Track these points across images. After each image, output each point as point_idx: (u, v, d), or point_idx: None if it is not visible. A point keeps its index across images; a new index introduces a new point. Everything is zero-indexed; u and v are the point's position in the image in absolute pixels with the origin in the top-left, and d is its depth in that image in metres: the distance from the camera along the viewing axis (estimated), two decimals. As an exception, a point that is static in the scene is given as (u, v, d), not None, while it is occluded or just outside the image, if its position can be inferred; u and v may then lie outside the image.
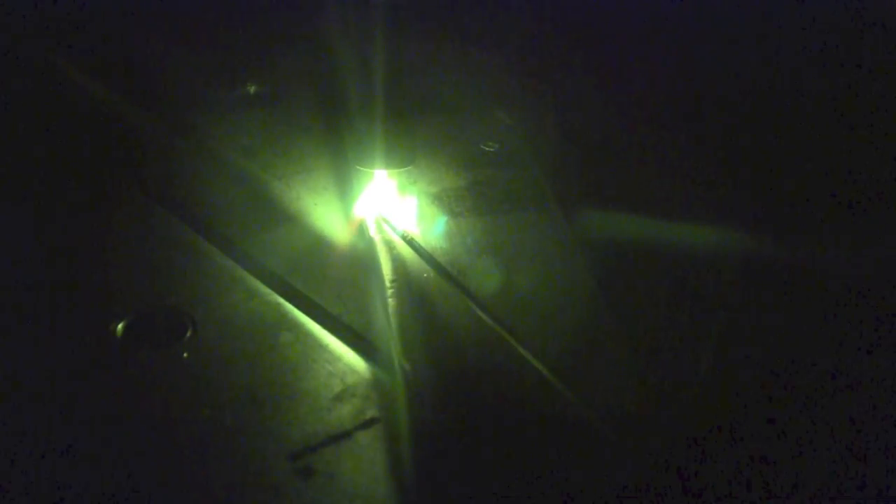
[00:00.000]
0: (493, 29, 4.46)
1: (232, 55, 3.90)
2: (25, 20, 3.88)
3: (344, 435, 1.83)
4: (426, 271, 2.43)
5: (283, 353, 2.07)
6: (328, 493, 1.69)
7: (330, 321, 2.18)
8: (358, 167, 2.73)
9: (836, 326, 2.37)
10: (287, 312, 2.22)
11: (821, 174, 3.25)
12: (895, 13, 4.52)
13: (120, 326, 2.10)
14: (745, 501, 1.79)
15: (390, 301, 2.28)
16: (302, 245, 2.53)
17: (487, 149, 3.26)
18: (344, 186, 2.83)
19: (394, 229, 2.61)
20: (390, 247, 2.53)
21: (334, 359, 2.06)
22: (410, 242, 2.54)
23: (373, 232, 2.60)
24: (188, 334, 2.10)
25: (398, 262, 2.46)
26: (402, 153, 2.68)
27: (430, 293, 2.34)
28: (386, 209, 2.70)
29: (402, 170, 2.77)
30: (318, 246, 2.53)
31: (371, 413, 1.90)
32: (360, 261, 2.47)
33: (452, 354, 2.11)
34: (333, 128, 3.19)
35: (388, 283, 2.35)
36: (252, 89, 3.65)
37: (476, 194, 2.89)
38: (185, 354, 2.03)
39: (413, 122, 2.74)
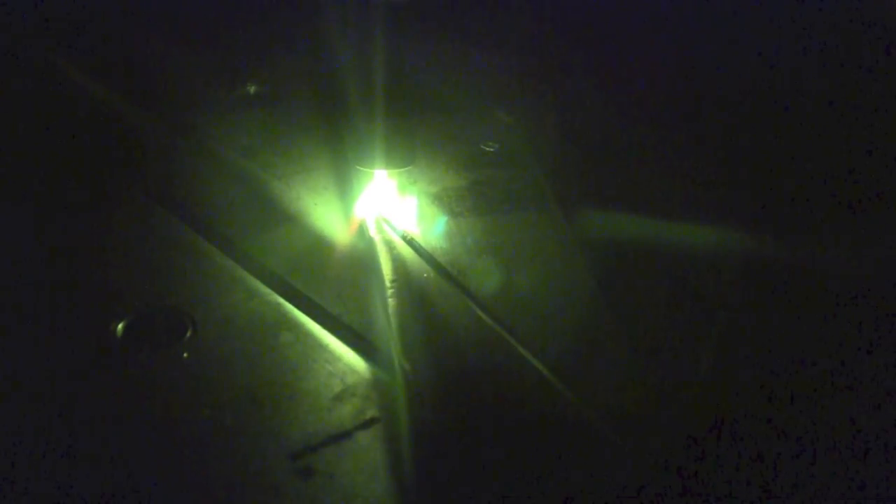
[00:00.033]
0: (493, 29, 4.46)
1: (232, 55, 3.90)
2: (25, 20, 3.88)
3: (344, 435, 1.83)
4: (426, 271, 2.43)
5: (283, 353, 2.07)
6: (328, 493, 1.69)
7: (330, 321, 2.17)
8: (358, 167, 2.73)
9: (836, 326, 2.37)
10: (287, 312, 2.21)
11: (821, 174, 3.25)
12: (895, 13, 4.52)
13: (120, 326, 2.10)
14: (745, 501, 1.79)
15: (390, 301, 2.28)
16: (302, 245, 2.53)
17: (487, 149, 3.26)
18: (344, 186, 2.83)
19: (394, 229, 2.61)
20: (390, 247, 2.53)
21: (334, 359, 2.06)
22: (410, 242, 2.54)
23: (373, 232, 2.60)
24: (188, 334, 2.10)
25: (398, 262, 2.46)
26: (402, 153, 2.68)
27: (430, 293, 2.34)
28: (386, 209, 2.70)
29: (402, 170, 2.77)
30: (318, 246, 2.53)
31: (371, 413, 1.90)
32: (360, 261, 2.47)
33: (452, 354, 2.11)
34: (333, 128, 3.19)
35: (388, 283, 2.35)
36: (252, 89, 3.65)
37: (476, 194, 2.89)
38: (185, 354, 2.03)
39: (413, 122, 2.74)
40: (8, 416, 1.83)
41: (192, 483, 1.70)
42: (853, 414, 2.03)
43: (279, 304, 2.24)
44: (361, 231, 2.62)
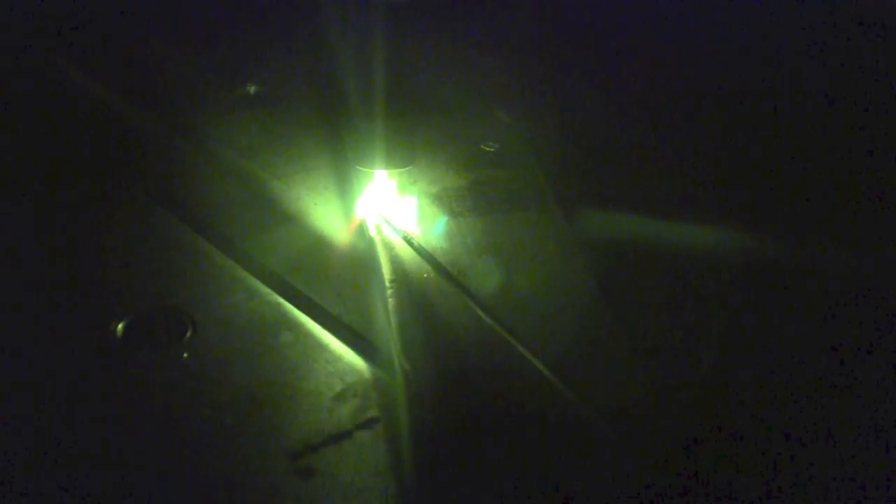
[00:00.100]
0: (493, 29, 4.46)
1: (232, 55, 3.90)
2: (25, 20, 3.88)
3: (344, 435, 1.83)
4: (426, 271, 2.43)
5: (283, 353, 2.07)
6: (328, 493, 1.69)
7: (330, 321, 2.17)
8: (358, 167, 2.73)
9: (836, 326, 2.37)
10: (287, 312, 2.21)
11: (821, 174, 3.25)
12: (895, 13, 4.52)
13: (120, 326, 2.10)
14: (745, 501, 1.79)
15: (390, 301, 2.28)
16: (302, 245, 2.53)
17: (487, 149, 3.26)
18: (344, 186, 2.83)
19: (394, 229, 2.61)
20: (390, 247, 2.53)
21: (334, 359, 2.06)
22: (410, 242, 2.54)
23: (373, 232, 2.60)
24: (188, 335, 2.10)
25: (398, 262, 2.46)
26: (402, 153, 2.68)
27: (430, 293, 2.34)
28: (386, 209, 2.70)
29: (402, 170, 2.77)
30: (318, 246, 2.53)
31: (371, 413, 1.90)
32: (360, 261, 2.47)
33: (452, 354, 2.11)
34: (333, 128, 3.19)
35: (388, 283, 2.35)
36: (252, 89, 3.65)
37: (476, 194, 2.89)
38: (185, 355, 2.03)
39: (413, 122, 2.74)
40: (8, 416, 1.83)
41: (192, 483, 1.70)
42: (853, 414, 2.03)
43: (279, 304, 2.24)
44: (361, 231, 2.62)
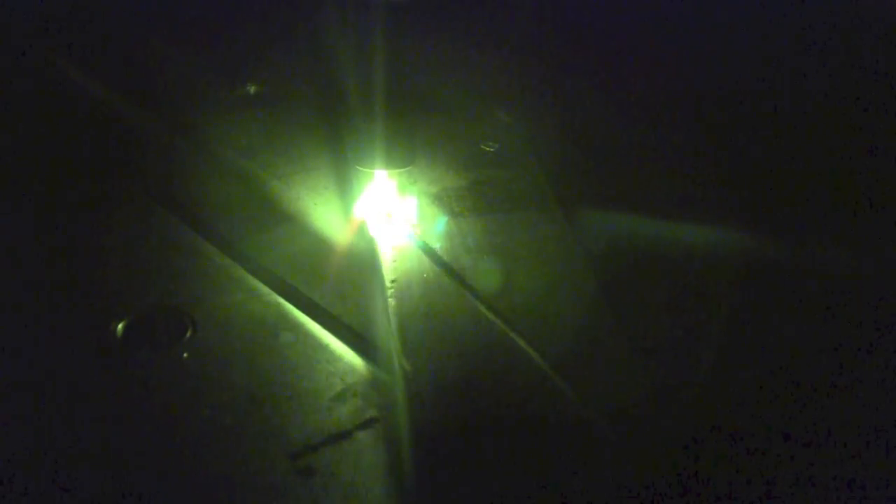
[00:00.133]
0: (493, 29, 4.46)
1: (232, 55, 3.90)
2: (25, 20, 3.88)
3: (344, 435, 1.83)
4: (426, 271, 2.43)
5: (284, 353, 2.07)
6: (328, 493, 1.69)
7: (330, 321, 2.17)
8: (358, 167, 2.73)
9: (836, 326, 2.37)
10: (287, 312, 2.21)
11: (821, 174, 3.25)
12: (895, 13, 4.52)
13: (120, 326, 2.10)
14: (745, 501, 1.79)
15: (390, 301, 2.28)
16: (302, 245, 2.53)
17: (487, 149, 3.25)
18: (344, 186, 2.83)
19: (394, 229, 2.61)
20: (390, 247, 2.53)
21: (334, 359, 2.06)
22: (410, 242, 2.54)
23: (373, 232, 2.60)
24: (188, 335, 2.10)
25: (398, 262, 2.46)
26: (403, 153, 2.68)
27: (430, 293, 2.34)
28: (386, 209, 2.70)
29: (403, 170, 2.77)
30: (319, 246, 2.53)
31: (371, 413, 1.90)
32: (361, 261, 2.47)
33: (452, 354, 2.11)
34: (333, 128, 3.19)
35: (388, 283, 2.35)
36: (252, 89, 3.65)
37: (476, 194, 2.89)
38: (185, 355, 2.03)
39: (413, 122, 2.74)
40: (8, 415, 1.83)
41: (192, 483, 1.70)
42: (853, 414, 2.03)
43: (279, 304, 2.24)
44: (361, 231, 2.61)
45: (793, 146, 3.48)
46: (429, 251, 2.51)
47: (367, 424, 1.86)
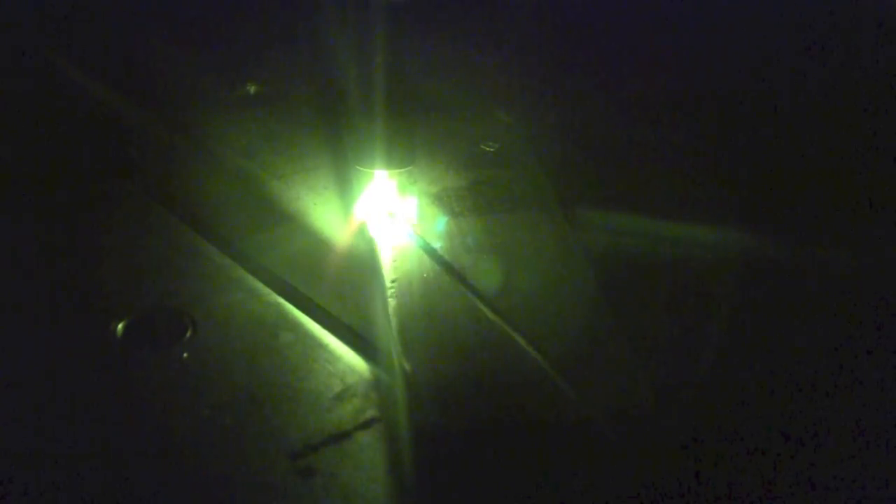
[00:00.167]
0: (493, 29, 4.46)
1: (232, 55, 3.90)
2: (25, 20, 3.88)
3: (344, 435, 1.83)
4: (426, 271, 2.43)
5: (283, 353, 2.07)
6: (328, 493, 1.69)
7: (330, 321, 2.18)
8: (358, 167, 2.73)
9: (837, 326, 2.37)
10: (287, 312, 2.22)
11: (821, 174, 3.25)
12: (895, 13, 4.52)
13: (120, 326, 2.10)
14: (745, 501, 1.79)
15: (390, 301, 2.28)
16: (302, 245, 2.53)
17: (487, 149, 3.26)
18: (344, 186, 2.83)
19: (394, 229, 2.61)
20: (390, 247, 2.53)
21: (334, 359, 2.07)
22: (410, 242, 2.54)
23: (373, 232, 2.60)
24: (188, 334, 2.10)
25: (398, 262, 2.46)
26: (403, 153, 2.68)
27: (430, 293, 2.34)
28: (386, 209, 2.70)
29: (403, 170, 2.77)
30: (318, 246, 2.53)
31: (371, 413, 1.90)
32: (360, 261, 2.47)
33: (453, 354, 2.11)
34: (333, 128, 3.19)
35: (388, 283, 2.35)
36: (252, 89, 3.65)
37: (476, 194, 2.89)
38: (184, 354, 2.03)
39: (413, 121, 2.74)
40: (8, 416, 1.83)
41: (192, 483, 1.70)
42: (853, 414, 2.03)
43: (279, 304, 2.24)
44: (361, 231, 2.61)
45: (793, 146, 3.48)
46: (429, 251, 2.51)
47: (367, 424, 1.86)
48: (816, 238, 2.81)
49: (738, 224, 2.83)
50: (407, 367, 2.03)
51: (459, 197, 2.86)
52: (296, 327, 2.16)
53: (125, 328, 2.09)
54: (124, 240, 2.49)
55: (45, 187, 2.70)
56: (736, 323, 2.34)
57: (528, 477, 1.78)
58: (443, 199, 2.84)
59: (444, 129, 3.40)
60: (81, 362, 1.99)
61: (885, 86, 4.01)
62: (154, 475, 1.70)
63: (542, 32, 4.52)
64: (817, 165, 3.32)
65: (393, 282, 2.36)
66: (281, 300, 2.24)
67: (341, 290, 2.30)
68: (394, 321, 2.20)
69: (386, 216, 2.68)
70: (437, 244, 2.56)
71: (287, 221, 2.66)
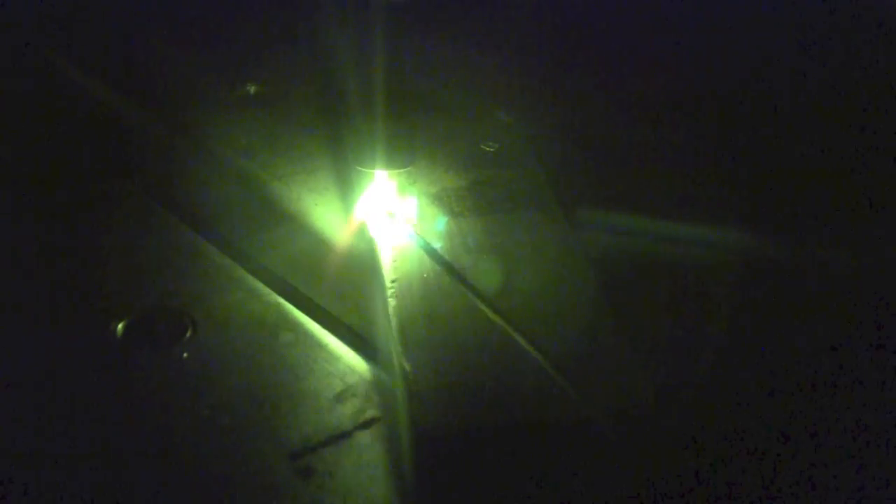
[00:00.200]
0: (493, 29, 4.46)
1: (232, 55, 3.90)
2: (25, 20, 3.88)
3: (344, 435, 1.83)
4: (426, 271, 2.43)
5: (283, 354, 2.07)
6: (328, 493, 1.69)
7: (330, 321, 2.18)
8: (358, 168, 2.73)
9: (837, 326, 2.37)
10: (287, 312, 2.22)
11: (821, 174, 3.25)
12: (895, 13, 4.52)
13: (120, 326, 2.10)
14: (745, 501, 1.79)
15: (390, 301, 2.27)
16: (302, 245, 2.53)
17: (487, 149, 3.25)
18: (344, 187, 2.83)
19: (394, 229, 2.61)
20: (390, 247, 2.53)
21: (334, 359, 2.07)
22: (410, 242, 2.54)
23: (373, 232, 2.60)
24: (188, 334, 2.10)
25: (398, 263, 2.46)
26: (403, 154, 2.68)
27: (430, 293, 2.34)
28: (386, 209, 2.70)
29: (403, 170, 2.77)
30: (318, 246, 2.53)
31: (371, 413, 1.90)
32: (361, 261, 2.47)
33: (453, 354, 2.11)
34: (333, 128, 3.19)
35: (388, 283, 2.35)
36: (252, 89, 3.65)
37: (476, 194, 2.89)
38: (184, 354, 2.03)
39: (413, 122, 2.74)
40: (8, 416, 1.83)
41: (191, 483, 1.70)
42: (853, 414, 2.03)
43: (279, 304, 2.24)
44: (361, 231, 2.61)
45: (793, 146, 3.48)
46: (429, 251, 2.51)
47: (367, 424, 1.86)
48: (816, 238, 2.81)
49: (738, 224, 2.83)
50: (407, 367, 2.03)
51: (459, 197, 2.86)
52: (296, 327, 2.16)
53: (125, 328, 2.09)
54: (124, 240, 2.49)
55: (45, 187, 2.70)
56: (736, 323, 2.34)
57: (528, 477, 1.78)
58: (443, 200, 2.84)
59: (444, 129, 3.39)
60: (81, 362, 1.99)
61: (885, 86, 4.00)
62: (154, 475, 1.71)
63: (542, 32, 4.52)
64: (817, 165, 3.32)
65: (393, 282, 2.36)
66: (281, 300, 2.24)
67: (341, 290, 2.30)
68: (394, 321, 2.20)
69: (386, 216, 2.68)
70: (437, 244, 2.56)
71: (287, 222, 2.66)
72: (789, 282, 2.55)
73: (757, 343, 2.26)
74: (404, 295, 2.31)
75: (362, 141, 2.66)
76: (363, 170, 2.72)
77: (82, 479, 1.68)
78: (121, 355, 2.02)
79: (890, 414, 2.04)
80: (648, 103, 3.82)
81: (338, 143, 3.08)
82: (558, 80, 4.01)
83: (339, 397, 1.93)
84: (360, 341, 2.11)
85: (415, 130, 2.82)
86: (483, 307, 2.27)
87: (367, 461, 1.76)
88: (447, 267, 2.44)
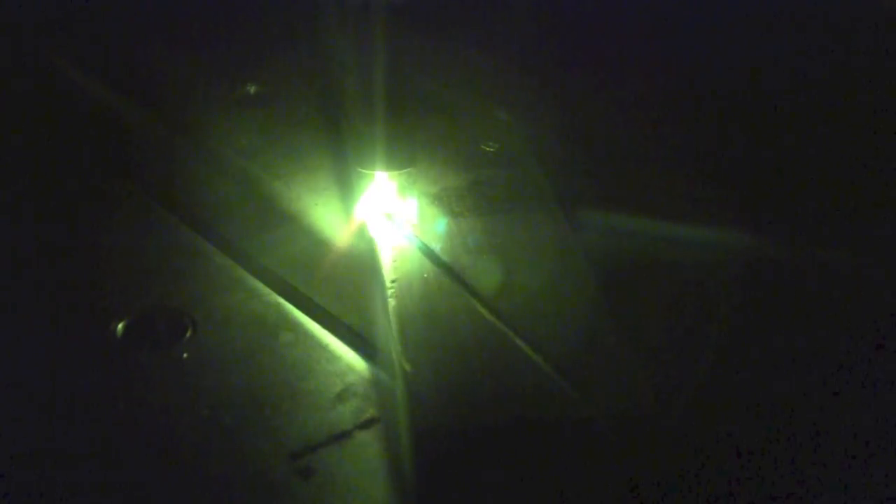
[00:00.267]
0: (493, 29, 4.46)
1: (232, 55, 3.90)
2: (25, 20, 3.88)
3: (344, 435, 1.83)
4: (426, 271, 2.43)
5: (284, 354, 2.07)
6: (328, 493, 1.69)
7: (330, 321, 2.18)
8: (358, 168, 2.73)
9: (837, 327, 2.37)
10: (287, 312, 2.22)
11: (821, 174, 3.25)
12: (895, 13, 4.52)
13: (120, 326, 2.10)
14: (745, 501, 1.79)
15: (390, 301, 2.27)
16: (302, 245, 2.53)
17: (487, 149, 3.25)
18: (344, 187, 2.83)
19: (394, 230, 2.61)
20: (390, 247, 2.53)
21: (334, 359, 2.07)
22: (410, 243, 2.54)
23: (373, 232, 2.60)
24: (188, 334, 2.10)
25: (398, 263, 2.46)
26: (403, 154, 2.68)
27: (430, 293, 2.34)
28: (386, 209, 2.70)
29: (403, 171, 2.77)
30: (319, 246, 2.53)
31: (371, 413, 1.90)
32: (361, 261, 2.48)
33: (453, 354, 2.11)
34: (333, 128, 3.19)
35: (388, 283, 2.35)
36: (252, 89, 3.64)
37: (476, 194, 2.89)
38: (184, 355, 2.03)
39: (413, 122, 2.74)
40: (7, 416, 1.83)
41: (191, 483, 1.70)
42: (853, 414, 2.03)
43: (279, 304, 2.24)
44: (361, 231, 2.61)
45: (793, 146, 3.48)
46: (429, 251, 2.51)
47: (367, 424, 1.86)
48: (816, 238, 2.81)
49: (738, 224, 2.83)
50: (407, 367, 2.03)
51: (459, 197, 2.86)
52: (296, 327, 2.16)
53: (125, 328, 2.09)
54: (124, 240, 2.49)
55: (45, 187, 2.70)
56: (736, 323, 2.34)
57: (528, 477, 1.78)
58: (443, 200, 2.84)
59: (444, 129, 3.39)
60: (81, 362, 1.99)
61: (885, 86, 4.00)
62: (154, 475, 1.71)
63: (542, 32, 4.52)
64: (817, 165, 3.32)
65: (393, 282, 2.36)
66: (281, 300, 2.24)
67: (341, 290, 2.30)
68: (394, 321, 2.20)
69: (386, 217, 2.68)
70: (437, 245, 2.56)
71: (287, 222, 2.66)
72: (789, 282, 2.55)
73: (757, 343, 2.26)
74: (404, 295, 2.31)
75: (362, 141, 2.66)
76: (363, 170, 2.72)
77: (82, 479, 1.68)
78: (121, 355, 2.02)
79: (890, 414, 2.04)
80: (648, 103, 3.82)
81: (338, 143, 3.08)
82: (558, 80, 4.01)
83: (339, 397, 1.93)
84: (359, 341, 2.11)
85: (415, 131, 2.82)
86: (483, 307, 2.27)
87: (367, 461, 1.76)
88: (447, 267, 2.44)
